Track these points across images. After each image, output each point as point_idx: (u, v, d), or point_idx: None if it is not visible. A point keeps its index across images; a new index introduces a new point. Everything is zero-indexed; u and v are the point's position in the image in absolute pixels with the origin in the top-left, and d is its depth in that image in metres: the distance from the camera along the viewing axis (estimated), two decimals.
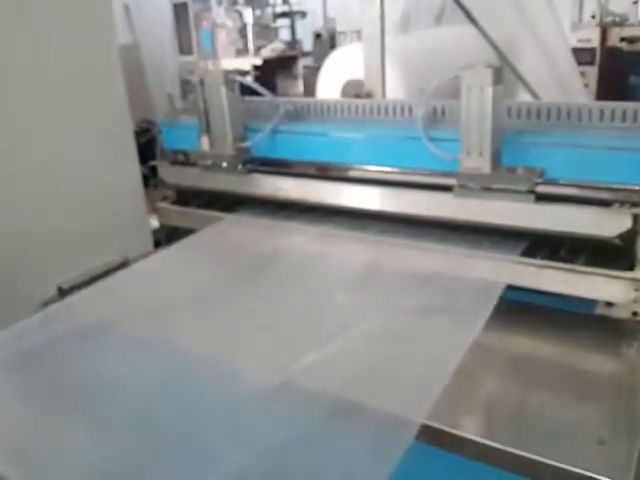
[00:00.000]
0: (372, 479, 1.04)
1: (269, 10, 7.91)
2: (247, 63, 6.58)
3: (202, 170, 2.06)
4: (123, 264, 1.81)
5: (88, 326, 1.49)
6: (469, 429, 1.22)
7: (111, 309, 1.56)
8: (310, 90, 6.03)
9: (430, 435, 1.23)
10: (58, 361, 1.40)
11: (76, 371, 1.39)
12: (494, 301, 1.45)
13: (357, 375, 1.30)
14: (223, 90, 1.91)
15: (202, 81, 1.96)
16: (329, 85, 4.52)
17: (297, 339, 1.45)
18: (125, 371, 1.38)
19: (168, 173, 2.18)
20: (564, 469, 1.09)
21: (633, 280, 1.41)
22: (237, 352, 1.42)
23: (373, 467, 1.07)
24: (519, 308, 1.59)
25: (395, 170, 1.81)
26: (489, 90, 1.47)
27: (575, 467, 1.08)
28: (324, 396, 1.24)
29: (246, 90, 2.04)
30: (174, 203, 2.19)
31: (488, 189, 1.57)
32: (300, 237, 1.89)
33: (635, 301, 1.43)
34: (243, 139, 1.99)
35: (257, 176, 2.00)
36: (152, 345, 1.48)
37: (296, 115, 2.04)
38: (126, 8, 5.17)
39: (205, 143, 2.01)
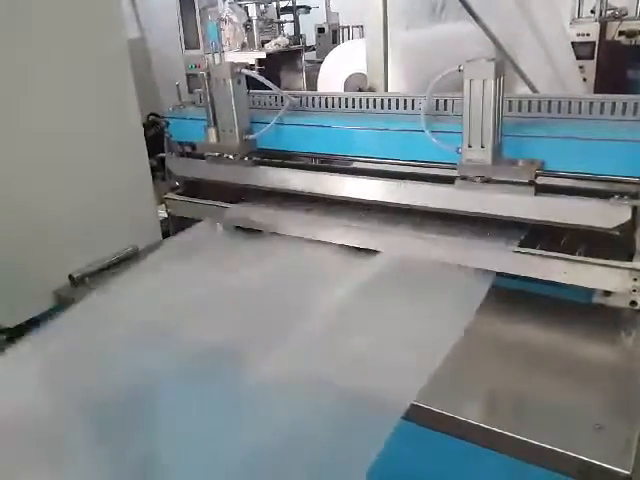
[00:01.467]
0: None
1: (273, 5, 7.92)
2: (252, 57, 6.59)
3: (209, 162, 2.10)
4: (132, 254, 1.85)
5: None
6: (469, 414, 1.25)
7: None
8: (313, 84, 6.04)
9: (430, 419, 1.27)
10: None
11: None
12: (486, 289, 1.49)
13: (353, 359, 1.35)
14: (230, 83, 1.94)
15: (209, 74, 1.99)
16: (331, 79, 4.54)
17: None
18: None
19: (176, 165, 2.23)
20: (564, 454, 1.12)
21: (632, 270, 1.44)
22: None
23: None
24: (518, 296, 1.62)
25: (397, 162, 1.84)
26: (491, 83, 1.49)
27: (575, 452, 1.11)
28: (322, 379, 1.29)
29: (250, 83, 2.07)
30: (182, 194, 2.23)
31: (489, 181, 1.59)
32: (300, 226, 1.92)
33: (634, 290, 1.45)
34: (249, 131, 2.02)
35: (263, 168, 2.04)
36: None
37: (301, 108, 2.07)
38: (133, 2, 5.18)
39: (212, 135, 2.04)
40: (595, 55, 5.69)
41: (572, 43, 4.71)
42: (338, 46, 5.14)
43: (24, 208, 1.43)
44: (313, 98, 2.06)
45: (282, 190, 2.01)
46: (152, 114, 3.42)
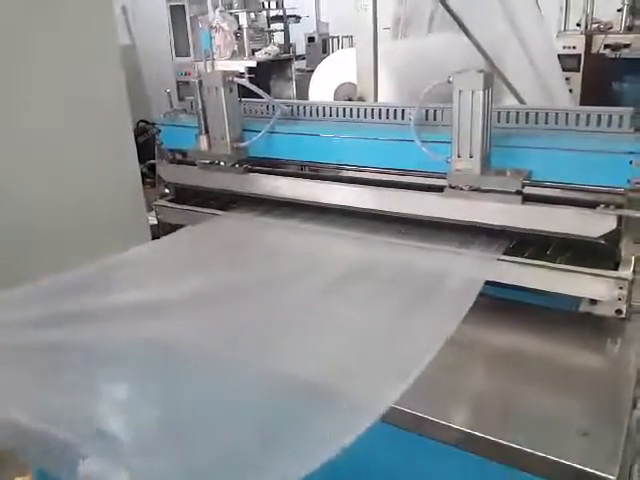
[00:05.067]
0: None
1: (264, 14, 7.96)
2: (242, 65, 6.61)
3: (200, 169, 2.10)
4: None
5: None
6: (456, 421, 1.25)
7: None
8: (303, 93, 6.06)
9: (417, 425, 1.27)
10: None
11: None
12: (474, 297, 1.49)
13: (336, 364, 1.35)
14: (222, 91, 1.95)
15: (200, 82, 2.00)
16: (322, 88, 4.56)
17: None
18: None
19: (167, 172, 2.23)
20: (551, 460, 1.12)
21: (617, 279, 1.46)
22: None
23: None
24: (505, 305, 1.64)
25: (387, 171, 1.85)
26: (480, 94, 1.51)
27: (561, 458, 1.12)
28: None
29: (241, 91, 2.08)
30: (172, 201, 2.23)
31: (477, 190, 1.62)
32: (290, 233, 1.93)
33: (619, 299, 1.47)
34: (241, 139, 2.03)
35: (253, 175, 2.05)
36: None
37: (292, 117, 2.08)
38: (124, 9, 5.18)
39: (203, 143, 2.05)
40: (581, 67, 5.78)
41: (558, 55, 4.78)
42: (330, 55, 5.16)
43: (15, 212, 1.43)
44: (304, 107, 2.08)
45: (272, 198, 2.02)
46: (142, 121, 3.42)
